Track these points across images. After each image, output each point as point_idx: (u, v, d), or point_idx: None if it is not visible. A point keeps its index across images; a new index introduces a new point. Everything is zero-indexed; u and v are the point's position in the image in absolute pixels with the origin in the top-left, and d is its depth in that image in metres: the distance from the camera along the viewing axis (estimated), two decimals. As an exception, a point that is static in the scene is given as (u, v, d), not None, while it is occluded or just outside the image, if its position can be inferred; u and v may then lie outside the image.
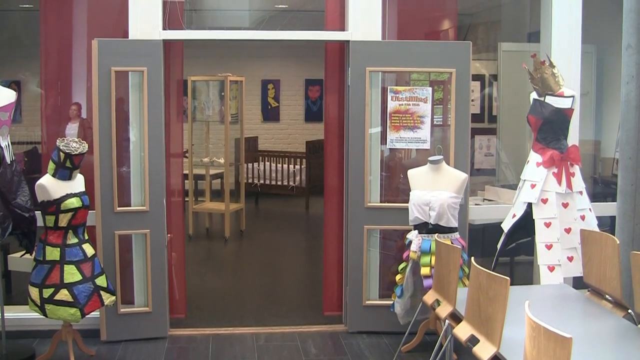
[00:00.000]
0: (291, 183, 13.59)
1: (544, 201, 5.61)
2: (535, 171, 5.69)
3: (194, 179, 11.58)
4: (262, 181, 13.80)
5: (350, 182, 6.33)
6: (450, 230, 5.64)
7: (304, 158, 13.54)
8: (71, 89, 6.71)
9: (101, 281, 5.56)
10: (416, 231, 5.72)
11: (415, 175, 5.83)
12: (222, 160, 10.83)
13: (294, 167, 13.63)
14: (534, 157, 5.74)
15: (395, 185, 6.61)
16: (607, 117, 8.87)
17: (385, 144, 6.34)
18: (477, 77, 9.02)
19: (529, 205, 5.67)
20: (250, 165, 13.82)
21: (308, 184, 13.34)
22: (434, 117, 6.44)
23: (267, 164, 13.91)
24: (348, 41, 6.26)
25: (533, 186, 5.67)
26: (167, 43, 6.30)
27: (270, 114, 15.78)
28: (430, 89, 6.25)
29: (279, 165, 13.79)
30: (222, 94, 10.69)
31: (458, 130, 6.23)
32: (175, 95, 6.59)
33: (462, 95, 6.22)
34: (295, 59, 15.04)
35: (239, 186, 11.56)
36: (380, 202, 6.40)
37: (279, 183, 13.69)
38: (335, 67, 6.69)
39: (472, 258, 3.94)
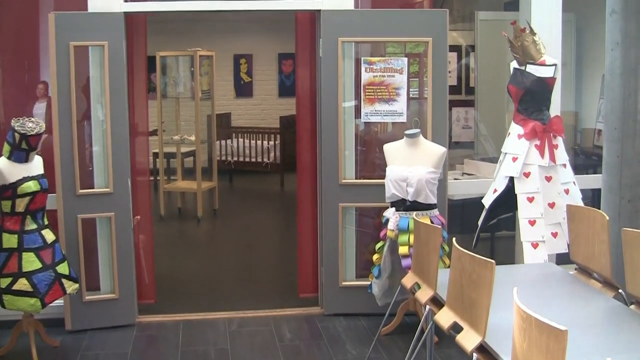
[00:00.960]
0: (265, 160, 13.31)
1: (527, 175, 5.36)
2: (517, 144, 5.44)
3: (165, 158, 11.29)
4: (235, 158, 13.49)
5: (323, 158, 6.06)
6: (429, 207, 5.40)
7: (278, 134, 13.25)
8: (37, 67, 6.35)
9: (63, 269, 5.27)
10: (393, 208, 5.46)
11: (392, 150, 5.57)
12: (193, 138, 10.52)
13: (268, 144, 13.35)
14: (515, 129, 5.49)
15: (371, 160, 6.36)
16: (586, 87, 8.67)
17: (360, 117, 6.07)
18: (454, 48, 8.76)
19: (511, 179, 5.42)
20: (223, 142, 13.49)
21: (282, 161, 13.06)
22: (410, 90, 6.18)
23: (241, 140, 13.59)
24: (319, 10, 5.96)
25: (515, 159, 5.42)
26: (129, 16, 5.96)
27: (243, 89, 15.41)
28: (405, 59, 5.97)
29: (253, 142, 13.49)
30: (192, 69, 10.36)
31: (435, 102, 5.96)
32: (140, 71, 6.25)
33: (439, 66, 5.94)
34: (268, 32, 14.64)
35: (212, 164, 11.24)
36: (356, 178, 6.13)
37: (253, 160, 13.40)
38: (307, 39, 6.39)
39: (454, 239, 3.67)
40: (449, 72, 6.89)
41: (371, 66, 5.93)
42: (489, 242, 7.25)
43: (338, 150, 5.98)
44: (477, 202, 6.03)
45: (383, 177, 5.58)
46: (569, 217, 4.54)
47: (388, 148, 5.59)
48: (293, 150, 11.88)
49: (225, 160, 13.44)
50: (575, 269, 4.45)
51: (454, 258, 3.55)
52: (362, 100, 5.98)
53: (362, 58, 5.97)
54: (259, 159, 13.35)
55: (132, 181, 6.03)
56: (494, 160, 7.11)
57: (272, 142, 13.35)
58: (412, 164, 5.40)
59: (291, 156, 12.40)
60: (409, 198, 5.33)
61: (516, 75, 5.47)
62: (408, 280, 4.50)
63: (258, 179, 13.51)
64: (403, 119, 6.00)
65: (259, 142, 13.42)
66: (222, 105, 14.51)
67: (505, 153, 5.52)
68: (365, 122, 6.17)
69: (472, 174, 7.13)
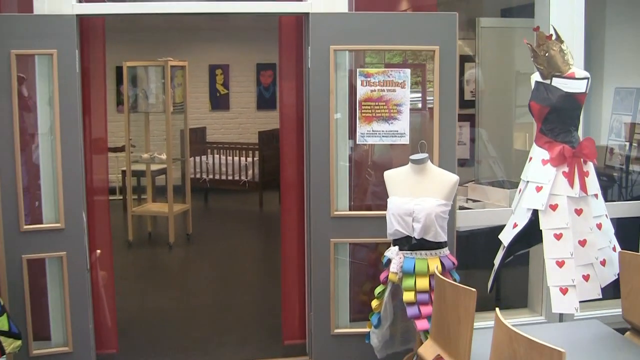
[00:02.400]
0: (243, 177, 12.43)
1: (554, 207, 4.53)
2: (541, 170, 4.61)
3: (135, 176, 10.41)
4: (211, 176, 12.62)
5: (312, 186, 5.18)
6: (438, 245, 4.54)
7: (257, 150, 12.40)
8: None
9: (1, 324, 4.36)
10: (396, 247, 4.61)
11: (394, 178, 4.72)
12: (163, 157, 9.62)
13: (246, 160, 12.48)
14: (538, 153, 4.66)
15: (368, 188, 5.51)
16: (595, 100, 7.88)
17: (355, 138, 5.21)
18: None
19: (534, 212, 4.60)
20: (197, 158, 12.64)
21: (261, 178, 12.19)
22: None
23: (216, 157, 12.72)
24: (307, 13, 5.10)
25: (539, 189, 4.59)
26: (83, 19, 5.09)
27: (219, 101, 14.57)
28: (408, 70, 5.10)
29: (230, 158, 12.62)
30: (163, 80, 9.48)
31: (443, 119, 5.13)
32: (97, 83, 5.36)
33: (447, 78, 5.11)
34: (246, 41, 13.96)
35: (185, 184, 10.33)
36: (350, 209, 5.27)
37: (230, 178, 12.52)
38: (292, 47, 5.53)
39: (497, 309, 2.81)
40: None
41: (368, 79, 5.08)
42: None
43: (329, 178, 5.11)
44: (485, 233, 5.24)
45: (382, 207, 4.77)
46: (623, 266, 3.73)
47: (390, 175, 4.74)
48: (272, 167, 11.11)
49: (199, 178, 12.59)
50: (629, 330, 3.62)
51: (501, 336, 2.68)
52: (358, 118, 5.12)
53: (358, 69, 5.12)
54: (236, 177, 12.48)
55: (89, 209, 5.17)
56: (507, 185, 6.33)
57: (250, 159, 12.49)
58: (418, 195, 4.56)
59: (271, 174, 11.64)
60: (416, 235, 4.48)
61: (539, 90, 4.65)
62: (428, 352, 3.63)
63: (235, 199, 12.68)
64: (405, 140, 5.14)
65: (236, 159, 12.56)
66: (197, 119, 13.82)
67: (528, 181, 4.69)
68: (360, 144, 5.30)
69: (478, 201, 6.30)
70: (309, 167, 5.20)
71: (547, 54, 4.58)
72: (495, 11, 8.05)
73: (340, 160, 5.22)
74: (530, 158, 4.75)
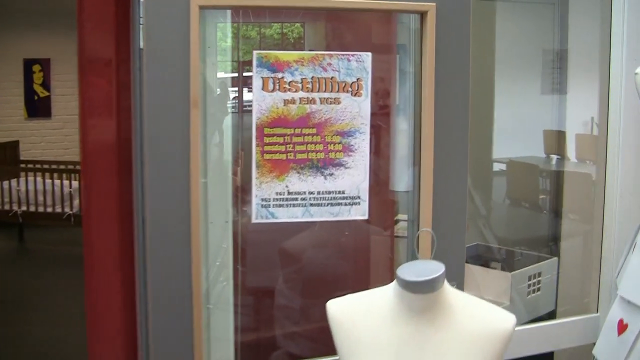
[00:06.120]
0: (67, 209, 9.51)
1: None
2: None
3: None
4: (24, 208, 9.67)
5: (153, 323, 2.31)
6: None
7: (85, 172, 9.50)
8: None
9: None
10: None
11: (355, 322, 1.94)
12: None
13: (70, 186, 9.59)
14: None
15: (277, 315, 2.74)
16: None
17: (243, 208, 2.39)
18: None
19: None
20: (6, 184, 9.70)
21: (91, 211, 9.28)
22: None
23: (32, 179, 9.87)
24: None
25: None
26: None
27: (37, 107, 11.92)
28: (368, 57, 2.31)
29: (49, 182, 9.73)
30: None
31: (441, 151, 2.40)
32: None
33: (452, 65, 2.37)
34: (72, 30, 11.03)
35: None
36: (239, 362, 2.47)
37: (50, 210, 9.60)
38: (108, 8, 2.67)
39: None
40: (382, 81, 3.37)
41: (280, 75, 2.24)
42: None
43: (192, 301, 2.26)
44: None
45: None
46: None
47: (343, 315, 1.95)
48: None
49: (9, 210, 9.64)
50: None
51: None
52: (255, 164, 2.28)
53: (256, 53, 2.27)
54: (58, 209, 9.55)
55: None
56: (495, 254, 3.77)
57: (76, 182, 9.64)
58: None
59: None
60: None
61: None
62: None
63: (57, 237, 9.72)
64: (361, 211, 2.33)
65: (58, 183, 9.67)
66: (7, 129, 11.34)
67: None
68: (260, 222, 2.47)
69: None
70: (143, 281, 2.33)
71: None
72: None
73: (213, 252, 2.40)
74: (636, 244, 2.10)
